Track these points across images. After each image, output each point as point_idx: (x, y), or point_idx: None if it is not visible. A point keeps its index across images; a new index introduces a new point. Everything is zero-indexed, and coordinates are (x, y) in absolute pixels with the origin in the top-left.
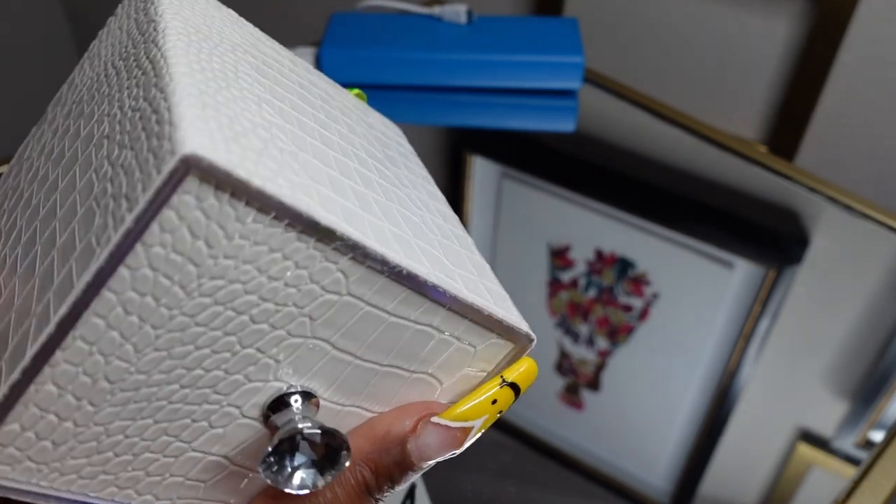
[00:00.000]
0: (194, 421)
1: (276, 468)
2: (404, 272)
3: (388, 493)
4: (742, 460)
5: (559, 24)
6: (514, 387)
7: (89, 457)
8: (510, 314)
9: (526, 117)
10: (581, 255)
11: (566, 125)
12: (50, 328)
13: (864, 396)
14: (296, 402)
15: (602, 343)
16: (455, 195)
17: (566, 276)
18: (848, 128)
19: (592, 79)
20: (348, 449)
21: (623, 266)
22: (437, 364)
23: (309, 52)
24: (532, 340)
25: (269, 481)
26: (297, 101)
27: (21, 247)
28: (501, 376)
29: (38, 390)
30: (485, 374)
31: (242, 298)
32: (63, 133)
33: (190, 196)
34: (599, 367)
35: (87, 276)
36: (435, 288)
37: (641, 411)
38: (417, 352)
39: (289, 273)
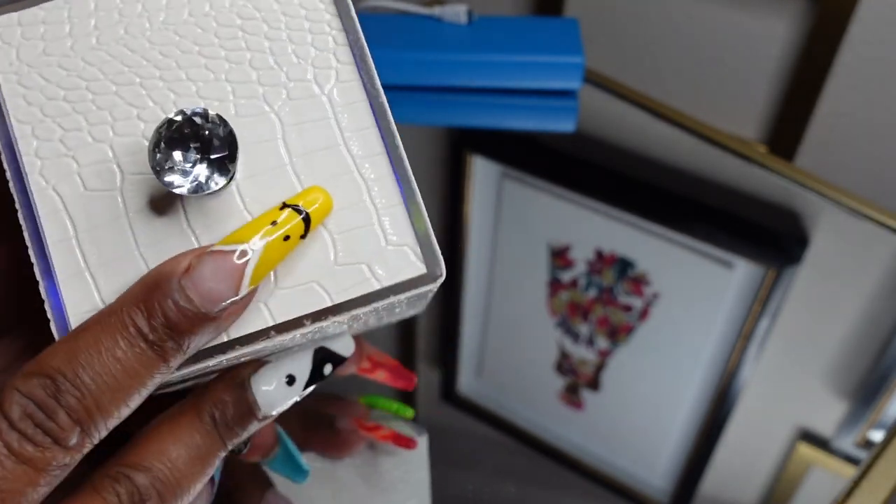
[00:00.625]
0: (132, 106)
1: (163, 138)
2: (379, 100)
3: (172, 348)
4: (742, 460)
5: (559, 25)
6: (306, 219)
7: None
8: (433, 236)
9: (526, 117)
10: (581, 255)
11: (566, 125)
12: None
13: (864, 396)
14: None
15: (602, 343)
16: (455, 195)
17: (566, 276)
18: (848, 128)
19: (592, 79)
20: (233, 159)
21: (623, 266)
22: (345, 230)
23: None
24: (441, 275)
25: (150, 156)
26: None
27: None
28: (285, 202)
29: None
30: (378, 284)
31: (258, 38)
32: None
33: None
34: (599, 367)
35: None
36: (394, 138)
37: (641, 411)
38: (338, 200)
39: (303, 44)
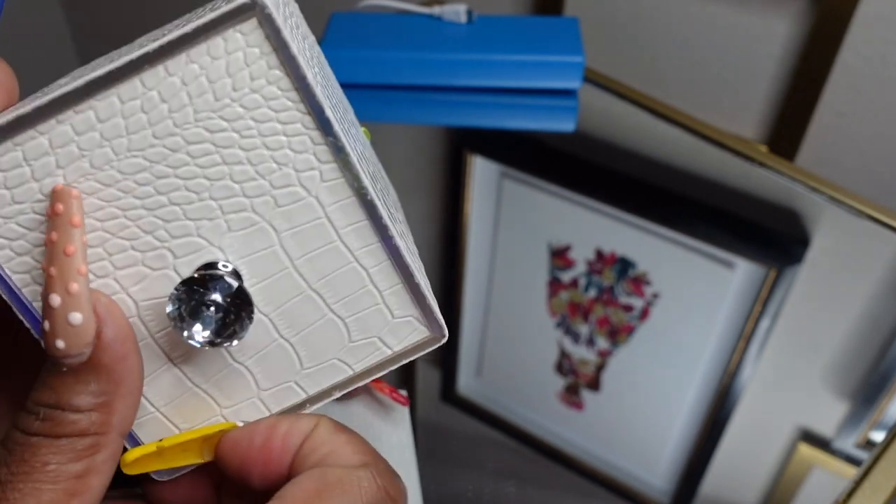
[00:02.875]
0: (132, 248)
1: (182, 301)
2: (368, 198)
3: None
4: (743, 460)
5: (559, 24)
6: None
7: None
8: (434, 302)
9: (526, 117)
10: (581, 255)
11: (566, 125)
12: (75, 84)
13: (865, 396)
14: (224, 266)
15: (602, 343)
16: (455, 195)
17: (566, 276)
18: (849, 127)
19: (593, 79)
20: (251, 317)
21: (623, 266)
22: (354, 314)
23: None
24: (444, 336)
25: (169, 315)
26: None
27: None
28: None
29: (33, 136)
30: (390, 351)
31: (233, 150)
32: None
33: (241, 36)
34: (600, 368)
35: (131, 56)
36: (387, 230)
37: (642, 411)
38: (344, 291)
39: (280, 149)
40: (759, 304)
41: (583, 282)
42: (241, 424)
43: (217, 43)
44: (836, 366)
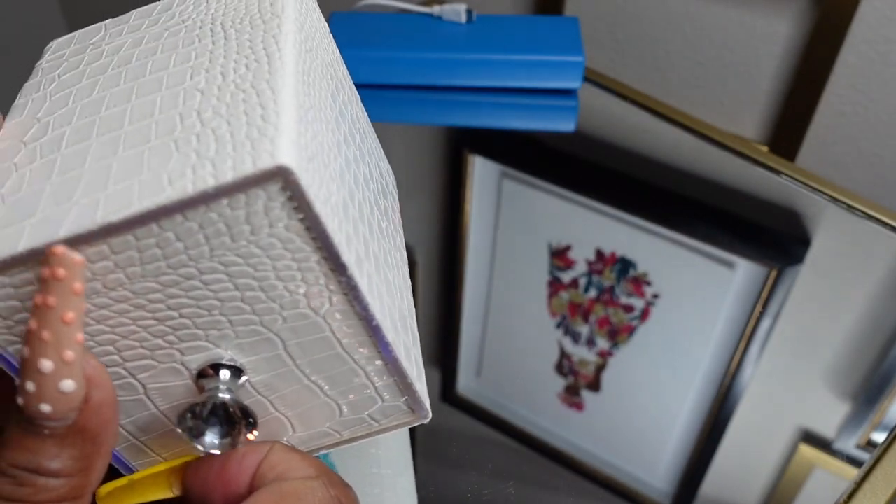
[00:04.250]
0: (141, 346)
1: (189, 425)
2: (374, 323)
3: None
4: (743, 461)
5: (559, 24)
6: None
7: None
8: (424, 390)
9: (526, 117)
10: (581, 255)
11: (566, 125)
12: (92, 226)
13: (867, 397)
14: (224, 374)
15: (603, 343)
16: (455, 195)
17: (566, 276)
18: (849, 127)
19: (593, 78)
20: (253, 425)
21: (624, 266)
22: (349, 399)
23: None
24: (428, 417)
25: (181, 432)
26: (347, 133)
27: (71, 128)
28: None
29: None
30: (377, 425)
31: (246, 280)
32: (147, 50)
33: (264, 193)
34: (600, 368)
35: (148, 204)
36: (387, 346)
37: (642, 412)
38: (340, 383)
39: (292, 280)
40: (760, 305)
41: (583, 282)
42: (202, 454)
43: (238, 198)
44: (837, 366)
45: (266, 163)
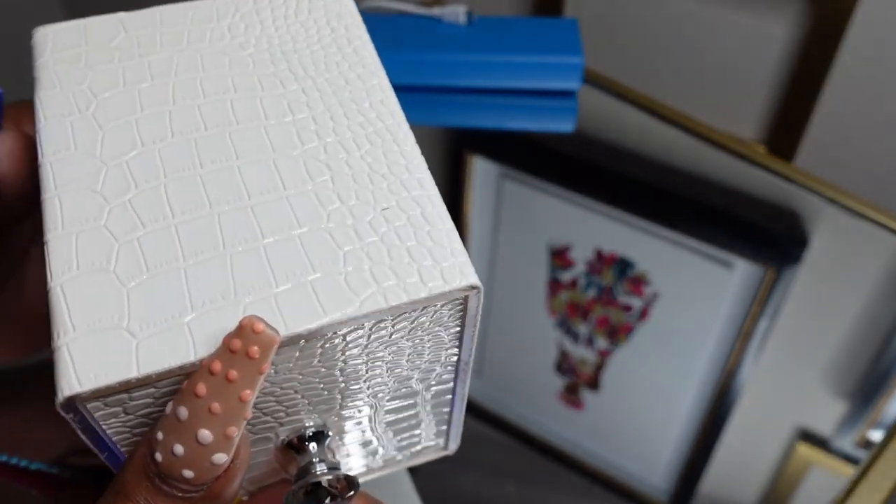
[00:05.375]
0: (249, 424)
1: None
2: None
3: None
4: (741, 460)
5: (559, 25)
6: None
7: None
8: (459, 427)
9: (526, 117)
10: (581, 255)
11: (566, 125)
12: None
13: (864, 396)
14: (313, 446)
15: (602, 343)
16: (455, 195)
17: (566, 276)
18: (847, 128)
19: (592, 79)
20: (356, 487)
21: (623, 266)
22: (392, 441)
23: None
24: (454, 450)
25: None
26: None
27: (167, 187)
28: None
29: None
30: (406, 462)
31: (379, 364)
32: (214, 80)
33: (447, 305)
34: (599, 367)
35: (339, 316)
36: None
37: (641, 411)
38: (400, 431)
39: (418, 362)
40: (758, 304)
41: (582, 282)
42: None
43: (424, 310)
44: (835, 365)
45: (459, 282)
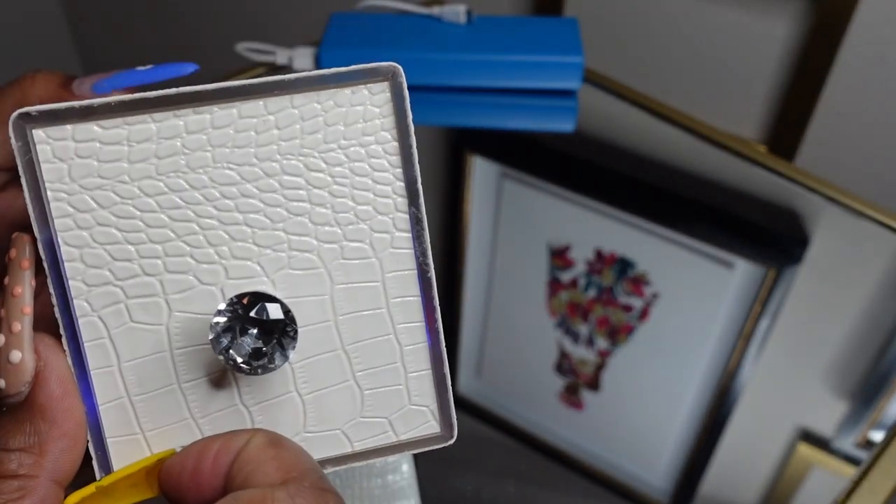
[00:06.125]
0: (191, 256)
1: (230, 315)
2: (429, 275)
3: None
4: (742, 460)
5: (559, 24)
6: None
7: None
8: (452, 401)
9: (526, 117)
10: (581, 255)
11: (566, 125)
12: (203, 87)
13: (865, 396)
14: (275, 298)
15: (602, 343)
16: (455, 195)
17: (566, 276)
18: (848, 127)
19: (592, 79)
20: (289, 348)
21: (623, 266)
22: (374, 388)
23: (308, 52)
24: (453, 438)
25: (212, 326)
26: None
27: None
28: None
29: (144, 121)
30: (395, 438)
31: (322, 192)
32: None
33: (369, 94)
34: (599, 368)
35: (266, 79)
36: (434, 312)
37: (641, 411)
38: (373, 361)
39: (365, 204)
40: (759, 304)
41: (582, 282)
42: (178, 450)
43: (345, 93)
44: (836, 365)
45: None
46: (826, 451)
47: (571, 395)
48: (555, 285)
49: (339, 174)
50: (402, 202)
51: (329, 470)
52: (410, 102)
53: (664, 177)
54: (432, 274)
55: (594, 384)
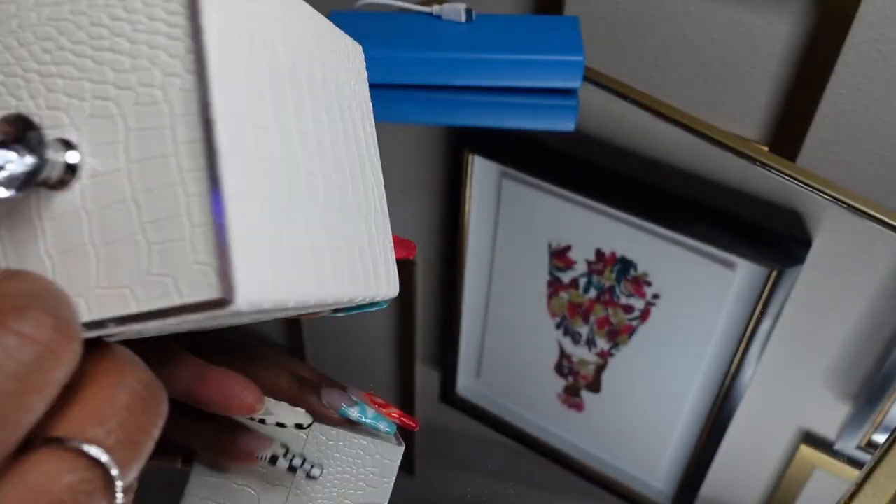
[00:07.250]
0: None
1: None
2: (207, 116)
3: None
4: (744, 462)
5: (559, 23)
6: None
7: None
8: (241, 260)
9: (526, 117)
10: (581, 256)
11: (566, 124)
12: None
13: (868, 398)
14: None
15: (603, 344)
16: (455, 195)
17: (566, 277)
18: (850, 127)
19: (593, 78)
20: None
21: (624, 266)
22: (161, 242)
23: None
24: (231, 302)
25: None
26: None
27: None
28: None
29: None
30: (178, 301)
31: (121, 40)
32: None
33: None
34: (600, 369)
35: None
36: (215, 155)
37: (642, 413)
38: (160, 211)
39: (156, 49)
40: (761, 305)
41: (583, 282)
42: None
43: None
44: (838, 367)
45: None
46: (829, 453)
47: (572, 397)
48: (555, 286)
49: (136, 20)
50: (192, 44)
51: (114, 330)
52: (410, 102)
53: (665, 177)
54: (214, 115)
55: (595, 385)
